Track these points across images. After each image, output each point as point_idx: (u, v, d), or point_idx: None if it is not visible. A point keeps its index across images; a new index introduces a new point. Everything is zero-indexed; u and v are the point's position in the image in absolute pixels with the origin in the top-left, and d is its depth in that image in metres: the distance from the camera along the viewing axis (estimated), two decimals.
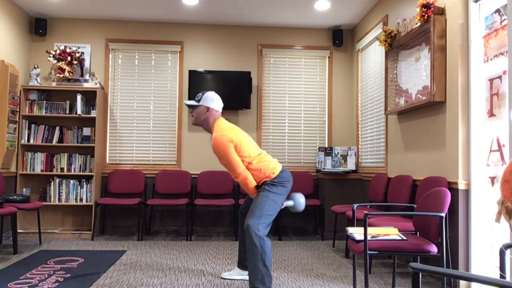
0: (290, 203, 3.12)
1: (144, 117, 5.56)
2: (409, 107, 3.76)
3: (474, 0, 3.14)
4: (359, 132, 5.47)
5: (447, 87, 3.36)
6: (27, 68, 5.36)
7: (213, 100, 3.15)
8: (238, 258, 3.42)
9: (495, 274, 2.82)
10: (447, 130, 3.34)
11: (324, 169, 5.45)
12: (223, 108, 5.48)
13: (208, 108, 3.13)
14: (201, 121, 3.15)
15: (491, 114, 2.95)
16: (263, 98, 5.70)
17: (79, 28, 5.56)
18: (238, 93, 5.50)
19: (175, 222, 5.51)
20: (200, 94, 3.17)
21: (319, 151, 5.62)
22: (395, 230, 2.69)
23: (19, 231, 5.04)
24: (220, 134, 2.99)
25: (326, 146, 5.73)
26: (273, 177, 3.04)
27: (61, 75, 5.19)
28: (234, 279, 3.34)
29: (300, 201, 3.13)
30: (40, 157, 5.20)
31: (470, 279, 1.19)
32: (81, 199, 5.17)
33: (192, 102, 3.16)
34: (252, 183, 3.03)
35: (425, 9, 3.44)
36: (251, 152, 3.05)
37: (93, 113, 5.25)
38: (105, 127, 5.50)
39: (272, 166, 3.07)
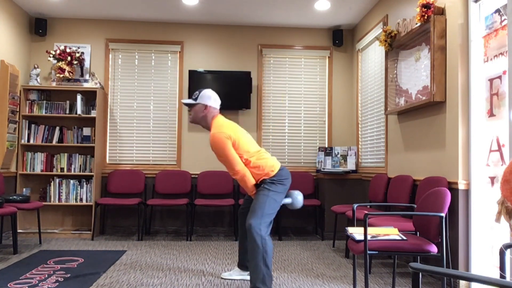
0: (288, 200, 3.11)
1: (144, 117, 5.56)
2: (409, 107, 3.76)
3: (474, 0, 3.14)
4: (359, 132, 5.47)
5: (447, 87, 3.36)
6: (27, 68, 5.36)
7: (210, 98, 3.15)
8: (238, 258, 3.42)
9: (495, 274, 2.82)
10: (447, 130, 3.34)
11: (324, 169, 5.45)
12: (223, 108, 5.49)
13: (206, 106, 3.13)
14: (199, 119, 3.15)
15: (491, 114, 2.95)
16: (263, 98, 5.70)
17: (79, 28, 5.56)
18: (238, 93, 5.50)
19: (175, 222, 5.51)
20: (197, 92, 3.18)
21: (319, 151, 5.62)
22: (395, 230, 2.69)
23: (19, 231, 5.04)
24: (218, 131, 2.99)
25: (326, 146, 5.73)
26: (272, 175, 3.03)
27: (61, 75, 5.19)
28: (234, 279, 3.34)
29: (298, 198, 3.12)
30: (40, 157, 5.20)
31: (470, 279, 1.19)
32: (81, 199, 5.17)
33: (189, 101, 3.16)
34: (251, 180, 3.03)
35: (425, 9, 3.44)
36: (250, 149, 3.05)
37: (93, 113, 5.25)
38: (105, 127, 5.50)
39: (271, 164, 3.06)
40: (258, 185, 3.07)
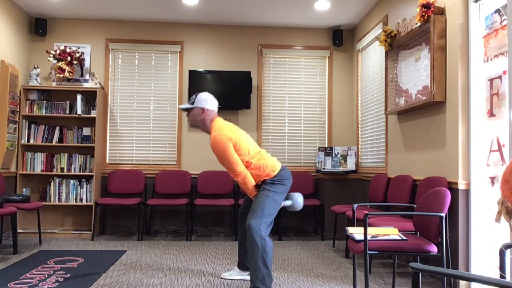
0: (288, 202, 3.11)
1: (144, 117, 5.56)
2: (409, 107, 3.76)
3: (474, 0, 3.14)
4: (359, 132, 5.47)
5: (447, 87, 3.36)
6: (27, 68, 5.36)
7: (206, 101, 3.15)
8: (238, 258, 3.42)
9: (495, 274, 2.82)
10: (447, 130, 3.34)
11: (324, 169, 5.45)
12: (224, 108, 5.49)
13: (203, 109, 3.13)
14: (198, 122, 3.16)
15: (491, 114, 2.95)
16: (263, 98, 5.70)
17: (79, 28, 5.56)
18: (238, 93, 5.50)
19: (175, 222, 5.51)
20: (194, 96, 3.19)
21: (319, 151, 5.62)
22: (395, 230, 2.69)
23: (19, 231, 5.04)
24: (219, 133, 2.99)
25: (326, 146, 5.73)
26: (273, 176, 3.04)
27: (61, 75, 5.19)
28: (234, 279, 3.34)
29: (298, 200, 3.13)
30: (40, 157, 5.20)
31: (470, 279, 1.19)
32: (81, 199, 5.17)
33: (186, 106, 3.17)
34: (251, 182, 3.03)
35: (425, 9, 3.44)
36: (250, 151, 3.05)
37: (93, 113, 5.25)
38: (105, 127, 5.50)
39: (272, 164, 3.07)
40: (259, 185, 3.08)
